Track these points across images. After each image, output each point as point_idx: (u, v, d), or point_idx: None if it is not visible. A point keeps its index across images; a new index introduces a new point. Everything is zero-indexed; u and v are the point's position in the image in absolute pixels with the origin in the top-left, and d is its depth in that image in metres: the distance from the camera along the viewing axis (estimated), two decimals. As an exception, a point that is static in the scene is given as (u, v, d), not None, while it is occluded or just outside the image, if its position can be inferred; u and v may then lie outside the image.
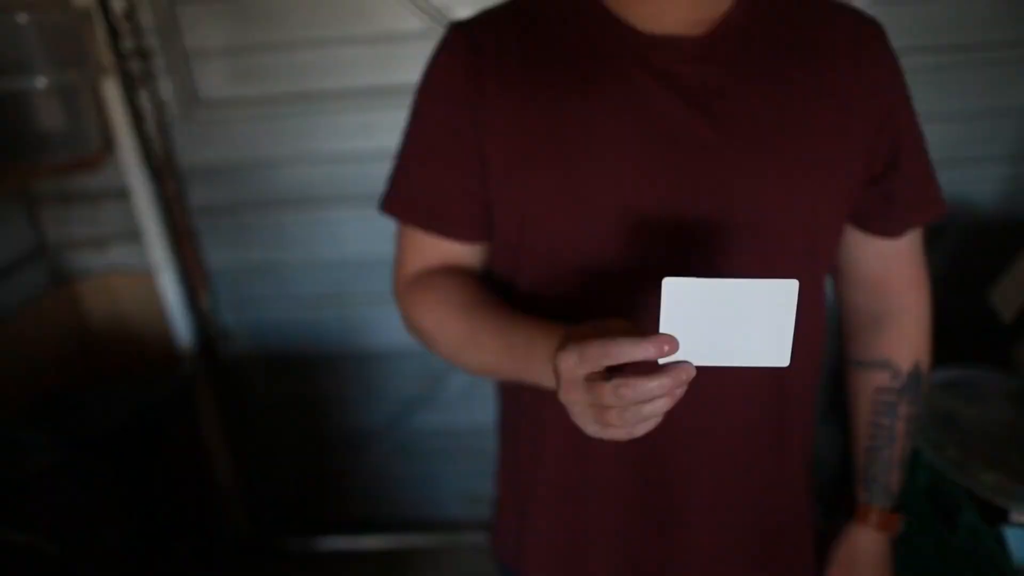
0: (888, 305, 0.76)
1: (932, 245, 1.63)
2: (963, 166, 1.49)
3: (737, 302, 0.45)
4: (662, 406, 0.46)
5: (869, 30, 0.66)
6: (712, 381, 0.66)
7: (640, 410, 0.45)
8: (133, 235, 1.58)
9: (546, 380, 0.58)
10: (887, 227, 0.71)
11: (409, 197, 0.70)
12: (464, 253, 0.71)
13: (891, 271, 0.75)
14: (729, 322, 0.46)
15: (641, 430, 0.47)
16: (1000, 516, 1.01)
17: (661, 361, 0.46)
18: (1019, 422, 1.17)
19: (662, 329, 0.46)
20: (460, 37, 0.66)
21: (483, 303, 0.67)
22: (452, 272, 0.71)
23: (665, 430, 0.68)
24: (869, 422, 0.78)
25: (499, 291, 0.72)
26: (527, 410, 0.75)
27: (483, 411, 1.75)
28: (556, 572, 0.77)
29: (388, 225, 0.75)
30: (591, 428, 0.49)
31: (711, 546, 0.74)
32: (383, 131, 1.49)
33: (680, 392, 0.46)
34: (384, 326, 1.69)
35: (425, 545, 1.92)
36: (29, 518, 1.06)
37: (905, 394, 0.76)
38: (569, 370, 0.47)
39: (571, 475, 0.73)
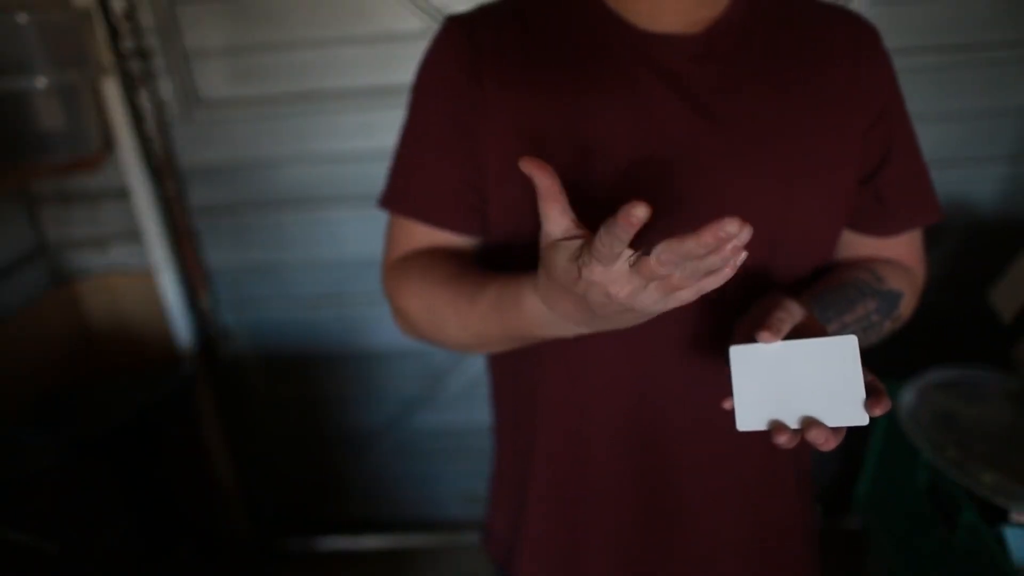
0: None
1: (932, 245, 1.64)
2: (963, 166, 1.49)
3: (802, 362, 0.48)
4: (715, 262, 0.40)
5: (865, 32, 0.67)
6: (704, 382, 0.66)
7: (697, 266, 0.40)
8: (133, 235, 1.58)
9: (541, 319, 0.53)
10: (880, 227, 0.70)
11: (404, 189, 0.69)
12: (459, 244, 0.70)
13: (886, 254, 0.73)
14: (799, 381, 0.48)
15: (710, 284, 0.42)
16: (1000, 516, 1.01)
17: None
18: (1019, 422, 1.16)
19: (736, 394, 0.49)
20: (458, 32, 0.66)
21: (467, 267, 0.66)
22: (435, 250, 0.69)
23: (659, 430, 0.69)
24: (836, 285, 0.65)
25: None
26: (520, 413, 0.75)
27: (483, 411, 1.75)
28: (551, 572, 0.77)
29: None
30: (657, 305, 0.43)
31: (708, 546, 0.74)
32: (383, 131, 1.49)
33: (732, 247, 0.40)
34: (384, 326, 1.69)
35: (425, 545, 1.93)
36: (29, 518, 1.06)
37: (880, 298, 0.67)
38: (604, 255, 0.42)
39: (565, 476, 0.73)
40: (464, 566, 1.85)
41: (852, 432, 0.48)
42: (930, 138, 1.46)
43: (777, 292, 0.58)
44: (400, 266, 0.69)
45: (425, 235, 0.69)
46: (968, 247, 1.56)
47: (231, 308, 1.71)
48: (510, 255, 0.69)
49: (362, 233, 1.59)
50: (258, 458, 1.88)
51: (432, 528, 1.95)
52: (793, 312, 0.52)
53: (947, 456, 1.10)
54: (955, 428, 1.16)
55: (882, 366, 1.36)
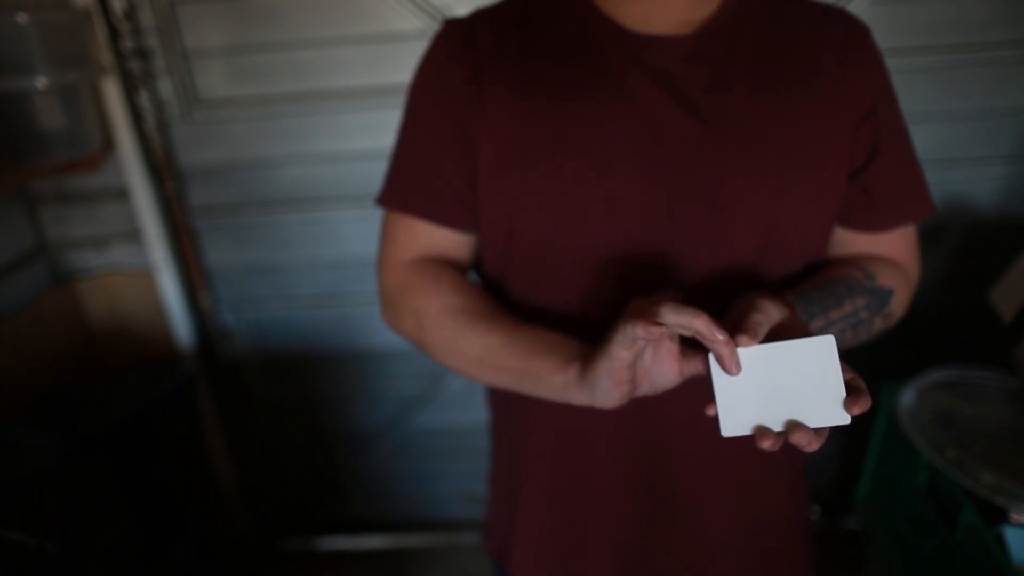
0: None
1: (932, 245, 1.64)
2: (963, 166, 1.49)
3: (781, 364, 0.48)
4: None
5: (855, 31, 0.67)
6: (700, 379, 0.66)
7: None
8: (133, 235, 1.58)
9: (553, 359, 0.60)
10: (870, 221, 0.70)
11: (402, 186, 0.70)
12: (455, 241, 0.71)
13: (880, 252, 0.73)
14: (780, 384, 0.48)
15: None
16: (1000, 516, 1.01)
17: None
18: (1019, 422, 1.16)
19: (718, 400, 0.50)
20: (459, 32, 0.66)
21: (490, 297, 0.69)
22: (455, 267, 0.71)
23: (656, 427, 0.69)
24: (824, 280, 0.66)
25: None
26: (516, 411, 0.76)
27: (483, 411, 1.74)
28: (549, 568, 0.77)
29: (388, 225, 0.75)
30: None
31: (705, 542, 0.74)
32: (383, 131, 1.49)
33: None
34: (384, 326, 1.69)
35: (424, 545, 1.93)
36: (29, 518, 1.06)
37: (871, 295, 0.67)
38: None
39: (562, 471, 0.74)
40: (464, 566, 1.85)
41: (852, 433, 0.48)
42: (930, 138, 1.46)
43: (753, 292, 0.58)
44: (417, 270, 0.70)
45: (425, 232, 0.70)
46: (968, 247, 1.56)
47: (231, 308, 1.71)
48: (500, 256, 0.69)
49: (362, 233, 1.59)
50: (258, 458, 1.88)
51: (432, 528, 1.95)
52: (770, 313, 0.53)
53: (947, 456, 1.09)
54: (955, 428, 1.16)
55: (883, 366, 1.36)
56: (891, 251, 0.72)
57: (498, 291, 0.72)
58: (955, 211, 1.52)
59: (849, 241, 0.72)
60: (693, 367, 0.54)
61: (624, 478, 0.71)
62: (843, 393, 0.47)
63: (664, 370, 0.54)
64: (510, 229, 0.66)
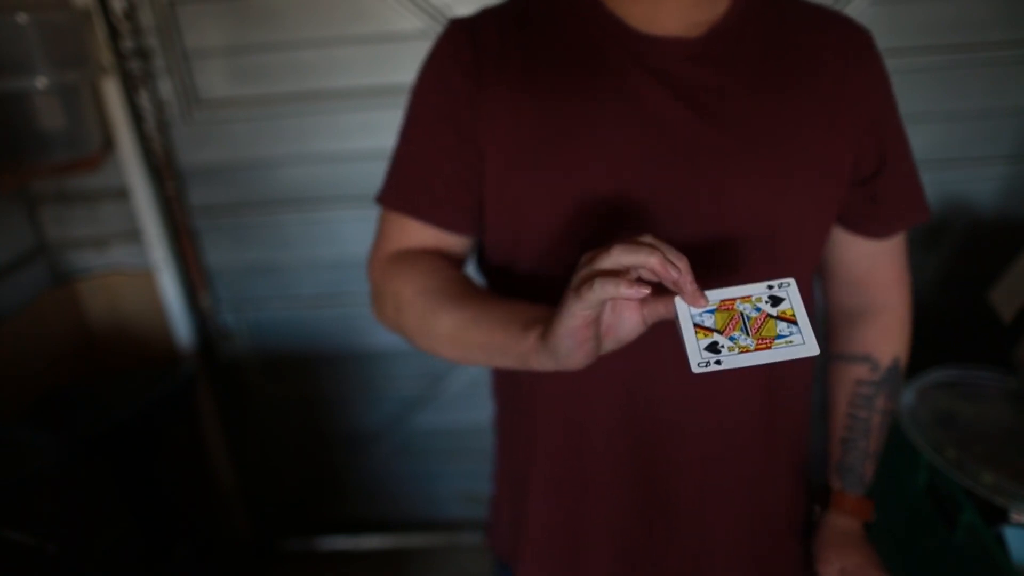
0: (871, 301, 0.78)
1: (932, 245, 1.64)
2: (963, 166, 1.49)
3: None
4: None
5: (859, 37, 0.68)
6: (700, 378, 0.67)
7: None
8: (133, 235, 1.58)
9: (524, 335, 0.57)
10: (874, 229, 0.72)
11: (399, 185, 0.70)
12: (448, 241, 0.70)
13: (875, 270, 0.76)
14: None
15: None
16: (1000, 516, 1.01)
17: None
18: (1019, 422, 1.16)
19: (685, 338, 0.50)
20: (461, 33, 0.67)
21: (467, 278, 0.68)
22: (437, 254, 0.71)
23: (655, 424, 0.69)
24: (846, 413, 0.78)
25: (494, 287, 0.73)
26: (520, 405, 0.76)
27: (483, 411, 1.75)
28: (551, 565, 0.77)
29: (388, 225, 0.75)
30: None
31: (705, 539, 0.74)
32: (383, 131, 1.49)
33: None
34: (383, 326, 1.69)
35: (424, 545, 1.93)
36: (29, 518, 1.06)
37: (883, 387, 0.77)
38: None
39: (564, 470, 0.74)
40: (464, 566, 1.85)
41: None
42: (930, 138, 1.46)
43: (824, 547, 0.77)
44: (401, 258, 0.70)
45: (418, 231, 0.70)
46: (968, 247, 1.56)
47: (231, 308, 1.71)
48: (505, 254, 0.69)
49: (362, 233, 1.59)
50: (258, 458, 1.88)
51: (432, 528, 1.95)
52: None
53: (947, 456, 1.10)
54: (955, 428, 1.16)
55: (882, 366, 1.35)
56: (888, 261, 0.75)
57: (501, 285, 0.72)
58: (955, 211, 1.52)
59: (851, 244, 0.74)
60: (656, 311, 0.51)
61: (625, 472, 0.71)
62: (808, 326, 0.48)
63: (626, 320, 0.51)
64: (514, 228, 0.66)
